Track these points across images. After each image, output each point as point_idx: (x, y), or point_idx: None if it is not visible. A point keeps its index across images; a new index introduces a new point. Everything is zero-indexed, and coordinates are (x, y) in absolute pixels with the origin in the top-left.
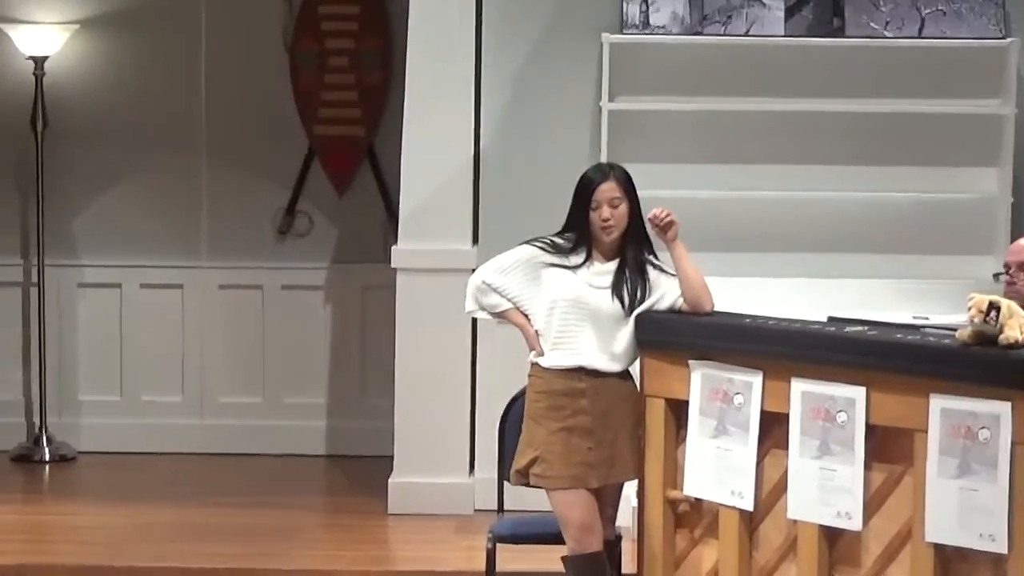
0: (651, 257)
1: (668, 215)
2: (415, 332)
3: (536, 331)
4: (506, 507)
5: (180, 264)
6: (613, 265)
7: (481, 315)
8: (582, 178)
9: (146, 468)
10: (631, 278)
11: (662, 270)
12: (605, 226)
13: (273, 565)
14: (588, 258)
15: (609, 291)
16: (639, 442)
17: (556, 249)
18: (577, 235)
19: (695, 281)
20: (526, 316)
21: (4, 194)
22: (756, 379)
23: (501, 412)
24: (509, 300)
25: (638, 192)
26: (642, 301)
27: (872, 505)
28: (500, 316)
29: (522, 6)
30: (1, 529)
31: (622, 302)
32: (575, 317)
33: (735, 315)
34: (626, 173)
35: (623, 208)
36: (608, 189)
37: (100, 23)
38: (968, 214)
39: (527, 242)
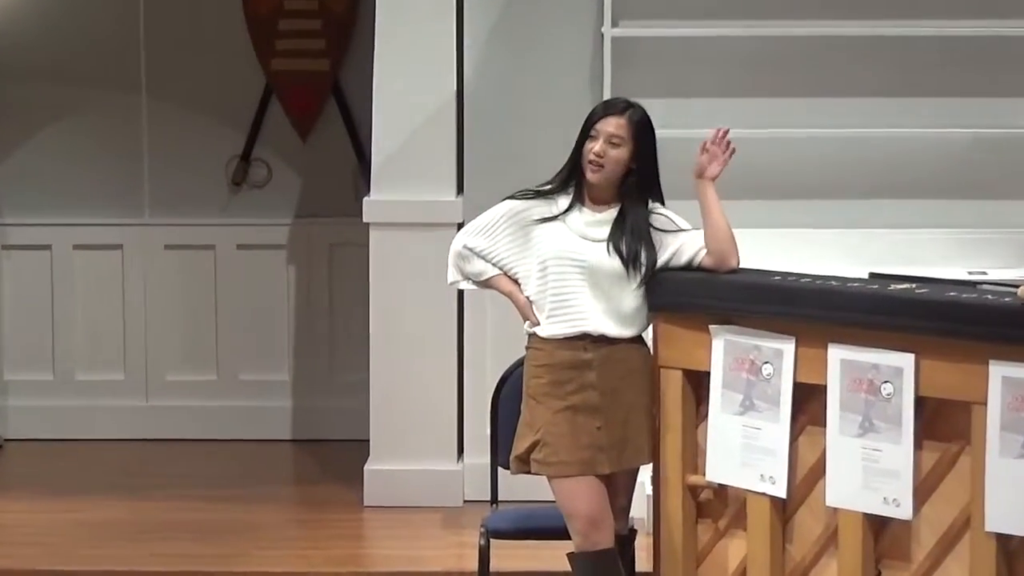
0: (661, 209)
1: (728, 142)
2: (392, 297)
3: (528, 298)
4: (500, 497)
5: (119, 221)
6: (611, 215)
7: (465, 285)
8: (593, 109)
9: (84, 457)
10: (633, 230)
11: (674, 221)
12: (592, 160)
13: (233, 567)
14: (576, 200)
15: (605, 244)
16: (655, 421)
17: (540, 195)
18: (568, 171)
19: (724, 232)
20: (516, 283)
21: None
22: (788, 346)
23: (494, 388)
24: (495, 265)
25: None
26: (642, 256)
27: (923, 490)
28: (486, 285)
29: None
30: None
31: (621, 256)
32: (571, 276)
33: (763, 272)
34: (645, 117)
35: (622, 152)
36: (613, 124)
37: None
38: None
39: (509, 197)
